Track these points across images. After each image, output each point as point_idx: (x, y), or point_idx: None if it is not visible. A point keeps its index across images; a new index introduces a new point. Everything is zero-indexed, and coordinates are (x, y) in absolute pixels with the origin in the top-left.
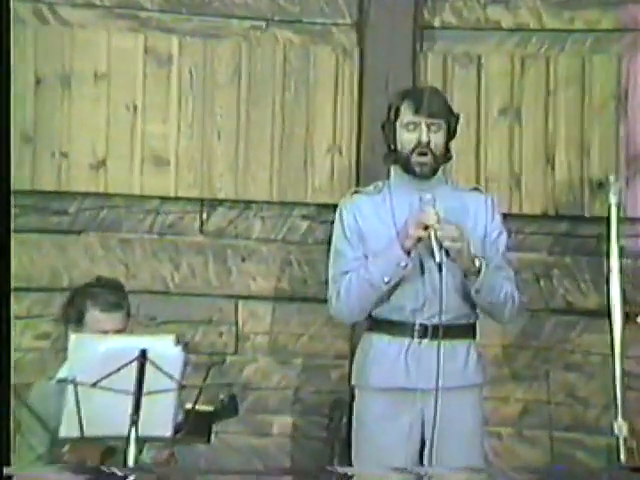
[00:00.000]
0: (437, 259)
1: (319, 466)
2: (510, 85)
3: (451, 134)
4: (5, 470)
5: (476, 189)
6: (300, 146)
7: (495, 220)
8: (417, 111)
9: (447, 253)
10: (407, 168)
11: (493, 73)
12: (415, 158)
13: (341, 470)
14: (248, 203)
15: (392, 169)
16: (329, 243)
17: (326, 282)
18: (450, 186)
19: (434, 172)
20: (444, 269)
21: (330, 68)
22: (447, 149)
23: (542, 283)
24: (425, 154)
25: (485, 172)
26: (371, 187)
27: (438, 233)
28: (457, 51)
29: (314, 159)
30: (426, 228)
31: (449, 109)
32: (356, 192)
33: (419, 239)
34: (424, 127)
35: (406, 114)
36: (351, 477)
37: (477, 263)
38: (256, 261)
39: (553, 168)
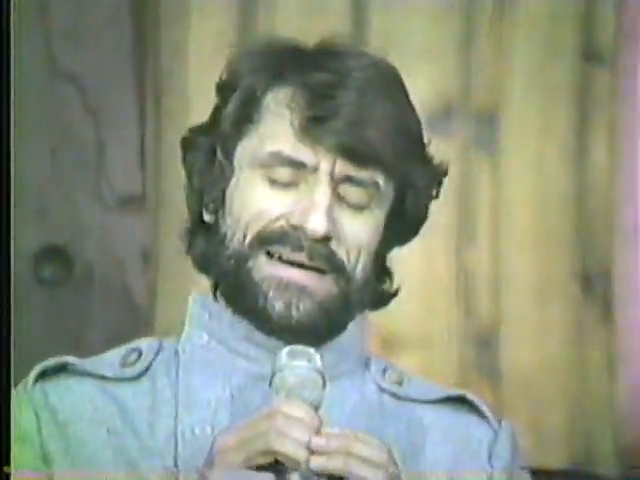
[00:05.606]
0: None
1: None
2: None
3: (406, 221)
4: (5, 470)
5: (462, 399)
6: None
7: None
8: (312, 128)
9: None
10: (244, 294)
11: None
12: (274, 267)
13: None
14: None
15: (193, 298)
16: None
17: None
18: (379, 379)
19: (334, 325)
20: None
21: None
22: (384, 266)
23: None
24: (303, 265)
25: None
26: (114, 355)
27: (313, 463)
28: None
29: None
30: (277, 465)
31: (414, 140)
32: (49, 372)
33: None
34: (325, 185)
35: (279, 130)
36: None
37: None
38: None
39: None
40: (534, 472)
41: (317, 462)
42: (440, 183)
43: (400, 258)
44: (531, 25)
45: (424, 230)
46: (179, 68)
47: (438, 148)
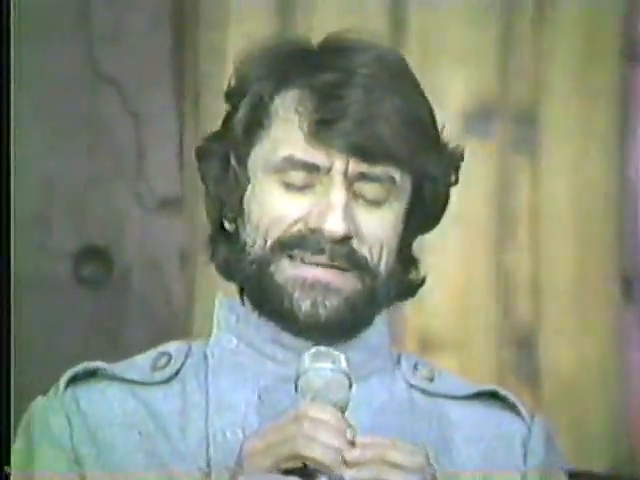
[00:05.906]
0: None
1: None
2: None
3: (427, 211)
4: (5, 470)
5: (494, 395)
6: None
7: None
8: (322, 131)
9: None
10: (269, 297)
11: None
12: (297, 269)
13: None
14: None
15: (220, 302)
16: None
17: None
18: (409, 375)
19: (360, 320)
20: None
21: None
22: (410, 255)
23: None
24: (326, 265)
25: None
26: (145, 359)
27: (347, 474)
28: None
29: None
30: (305, 469)
31: (427, 129)
32: (79, 377)
33: None
34: (339, 185)
35: (290, 134)
36: None
37: None
38: None
39: None
40: (572, 475)
41: (351, 473)
42: (457, 168)
43: (439, 258)
44: (571, 26)
45: (463, 231)
46: (218, 70)
47: (477, 150)
